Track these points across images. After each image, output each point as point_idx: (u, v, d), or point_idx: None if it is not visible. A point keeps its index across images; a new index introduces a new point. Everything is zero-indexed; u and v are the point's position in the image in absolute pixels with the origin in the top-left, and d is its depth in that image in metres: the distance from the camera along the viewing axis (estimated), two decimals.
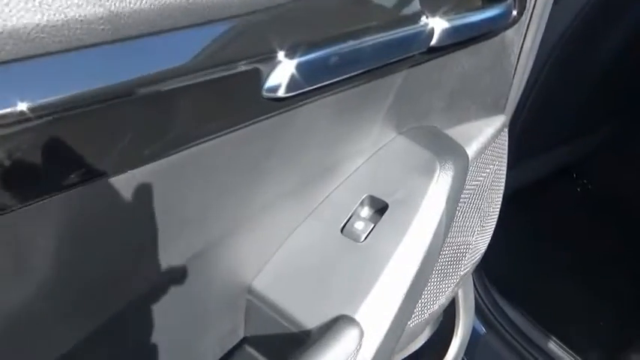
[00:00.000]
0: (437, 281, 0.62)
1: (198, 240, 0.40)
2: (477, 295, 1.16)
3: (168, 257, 0.39)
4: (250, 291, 0.50)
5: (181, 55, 0.29)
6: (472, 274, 1.14)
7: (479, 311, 1.16)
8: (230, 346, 0.53)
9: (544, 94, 1.08)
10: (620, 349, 1.19)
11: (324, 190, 0.51)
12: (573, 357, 1.07)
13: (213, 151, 0.35)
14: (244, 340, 0.53)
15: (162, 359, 0.43)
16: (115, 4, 0.25)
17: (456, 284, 0.69)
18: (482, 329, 1.16)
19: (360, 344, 0.44)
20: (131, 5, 0.26)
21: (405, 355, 0.91)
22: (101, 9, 0.25)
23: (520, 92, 0.76)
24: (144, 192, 0.33)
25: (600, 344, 1.19)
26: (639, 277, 1.31)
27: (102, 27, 0.25)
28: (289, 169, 0.44)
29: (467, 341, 0.95)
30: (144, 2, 0.26)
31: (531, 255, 1.42)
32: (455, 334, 0.94)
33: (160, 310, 0.41)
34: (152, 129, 0.30)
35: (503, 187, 0.72)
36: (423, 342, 0.93)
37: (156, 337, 0.42)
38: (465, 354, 1.12)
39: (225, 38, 0.31)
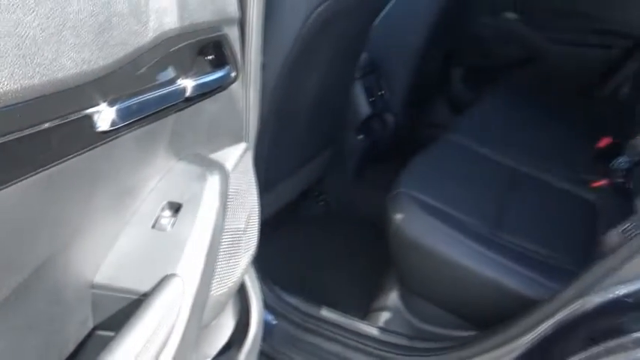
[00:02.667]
0: (227, 258, 0.88)
1: (41, 251, 0.52)
2: (267, 294, 1.45)
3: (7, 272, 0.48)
4: (93, 286, 0.68)
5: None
6: (259, 279, 1.44)
7: (269, 307, 1.46)
8: (81, 338, 0.68)
9: (276, 126, 1.44)
10: (369, 301, 1.64)
11: (135, 203, 0.73)
12: (343, 316, 1.46)
13: (59, 175, 0.55)
14: (94, 328, 0.70)
15: None
16: None
17: (241, 265, 0.96)
18: (274, 320, 1.46)
19: (184, 288, 0.67)
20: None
21: (215, 353, 1.12)
22: None
23: (257, 127, 1.09)
24: None
25: (361, 305, 1.63)
26: (375, 261, 1.77)
27: None
28: (107, 189, 0.65)
29: (261, 330, 1.22)
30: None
31: (301, 257, 1.82)
32: (250, 326, 1.20)
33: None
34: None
35: (255, 192, 1.03)
36: (229, 336, 1.17)
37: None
38: (266, 341, 1.40)
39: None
